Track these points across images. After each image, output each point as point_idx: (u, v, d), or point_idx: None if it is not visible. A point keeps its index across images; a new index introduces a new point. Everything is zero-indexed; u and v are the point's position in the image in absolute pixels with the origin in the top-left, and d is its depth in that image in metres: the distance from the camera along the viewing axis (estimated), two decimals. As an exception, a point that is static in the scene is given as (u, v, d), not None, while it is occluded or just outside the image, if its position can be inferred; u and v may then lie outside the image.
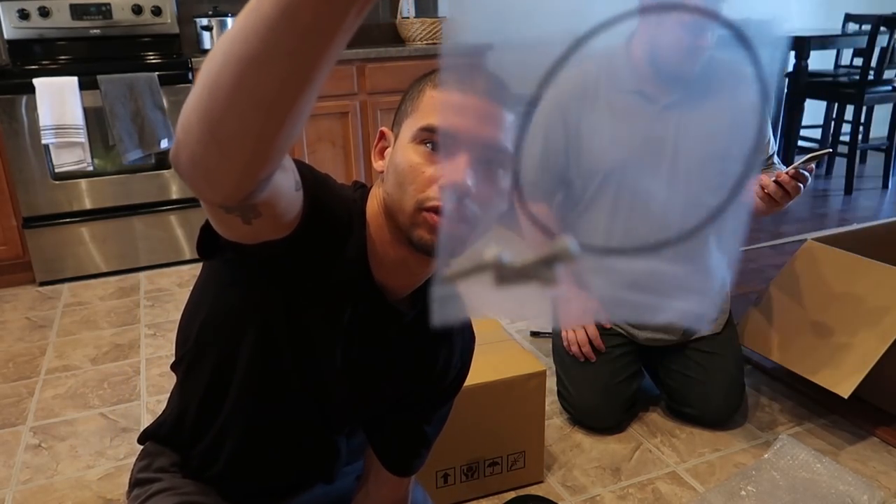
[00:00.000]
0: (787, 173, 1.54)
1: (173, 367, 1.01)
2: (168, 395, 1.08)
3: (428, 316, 0.86)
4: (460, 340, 1.07)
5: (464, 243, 0.79)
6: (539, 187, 1.85)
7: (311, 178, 0.76)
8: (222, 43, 0.47)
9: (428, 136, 0.78)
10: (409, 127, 0.80)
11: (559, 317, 1.84)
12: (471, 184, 0.74)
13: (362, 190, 0.90)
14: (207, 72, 0.48)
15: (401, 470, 1.13)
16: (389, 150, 0.85)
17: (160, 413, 1.07)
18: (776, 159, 1.82)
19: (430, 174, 0.76)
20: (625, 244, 1.76)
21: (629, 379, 1.83)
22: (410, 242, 0.79)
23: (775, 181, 1.55)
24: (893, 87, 3.85)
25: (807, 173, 1.54)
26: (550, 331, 2.38)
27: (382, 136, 0.87)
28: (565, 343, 1.86)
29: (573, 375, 1.84)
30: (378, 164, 0.86)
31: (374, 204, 0.86)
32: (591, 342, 1.83)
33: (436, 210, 0.76)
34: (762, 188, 1.57)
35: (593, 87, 1.75)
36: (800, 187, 1.55)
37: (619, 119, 1.73)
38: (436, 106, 0.78)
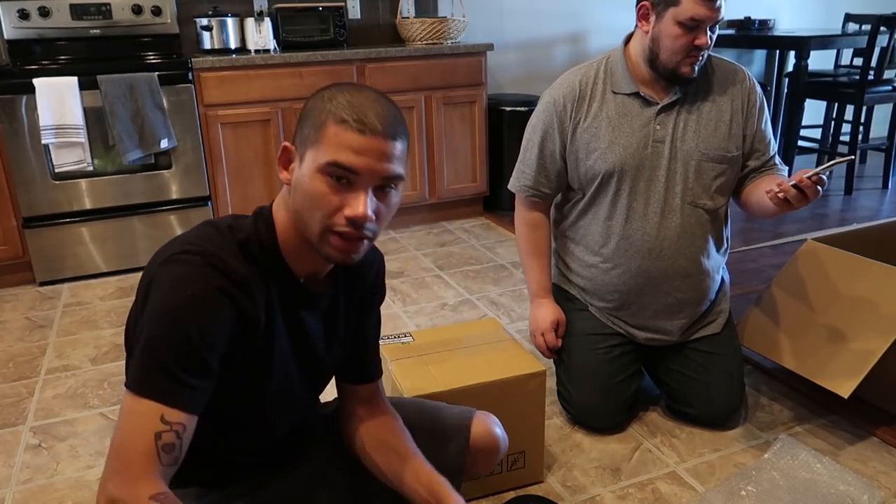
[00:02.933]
0: (809, 178, 1.48)
1: None
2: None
3: (347, 284, 1.11)
4: (373, 268, 1.17)
5: (366, 251, 0.98)
6: (537, 191, 1.86)
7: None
8: None
9: (333, 171, 0.90)
10: (315, 157, 0.92)
11: (530, 322, 1.93)
12: (370, 213, 0.92)
13: (263, 212, 1.02)
14: None
15: (372, 376, 1.22)
16: (294, 165, 0.96)
17: None
18: (777, 160, 1.82)
19: (335, 203, 0.92)
20: (622, 247, 1.77)
21: (628, 379, 1.82)
22: (318, 253, 0.96)
23: (795, 185, 1.49)
24: (893, 87, 3.85)
25: (825, 177, 1.49)
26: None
27: (286, 150, 0.98)
28: (536, 345, 1.91)
29: (573, 376, 1.83)
30: (283, 176, 0.98)
31: (281, 211, 1.00)
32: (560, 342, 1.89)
33: (340, 234, 0.92)
34: (778, 192, 1.52)
35: (590, 90, 1.76)
36: (818, 191, 1.51)
37: (617, 122, 1.73)
38: (339, 144, 0.90)
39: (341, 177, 0.90)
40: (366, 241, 0.95)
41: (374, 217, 0.92)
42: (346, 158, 0.90)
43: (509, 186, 1.93)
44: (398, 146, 0.93)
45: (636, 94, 1.73)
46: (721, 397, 1.79)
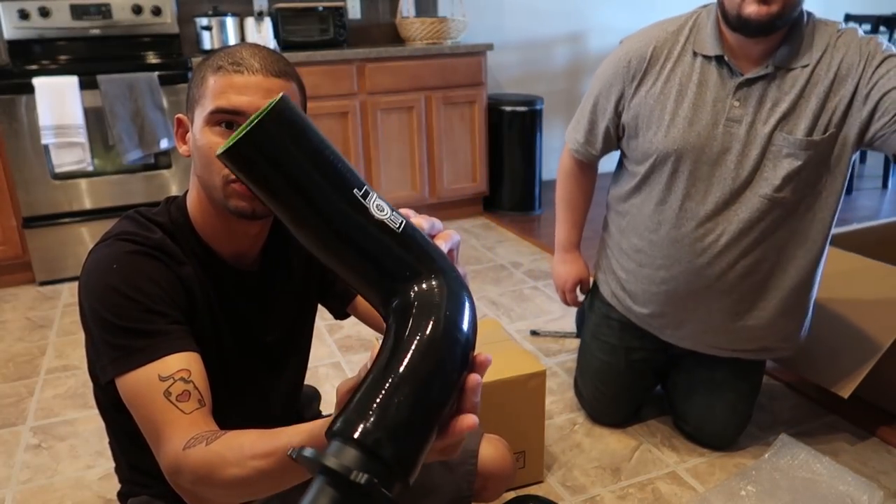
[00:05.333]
0: None
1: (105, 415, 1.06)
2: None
3: (283, 262, 1.07)
4: None
5: None
6: (582, 148, 1.72)
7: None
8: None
9: (220, 118, 0.88)
10: (201, 112, 0.89)
11: (553, 274, 1.90)
12: None
13: (176, 197, 1.01)
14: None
15: None
16: (190, 134, 0.94)
17: (118, 460, 1.10)
18: None
19: None
20: (672, 237, 1.55)
21: (643, 387, 1.84)
22: (229, 211, 0.91)
23: None
24: (893, 87, 3.85)
25: None
26: (551, 331, 2.38)
27: (180, 122, 0.97)
28: (559, 293, 1.89)
29: (587, 378, 1.85)
30: (183, 150, 0.96)
31: (192, 192, 0.97)
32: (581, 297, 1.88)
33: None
34: None
35: (666, 51, 1.53)
36: None
37: (688, 90, 1.50)
38: (220, 89, 0.87)
39: (229, 122, 0.87)
40: None
41: None
42: (228, 101, 0.86)
43: (565, 135, 1.79)
44: (282, 84, 0.89)
45: (720, 59, 1.47)
46: (719, 426, 1.73)
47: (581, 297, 1.90)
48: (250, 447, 0.73)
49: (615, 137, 1.66)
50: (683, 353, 1.74)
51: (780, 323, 1.60)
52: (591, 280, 1.88)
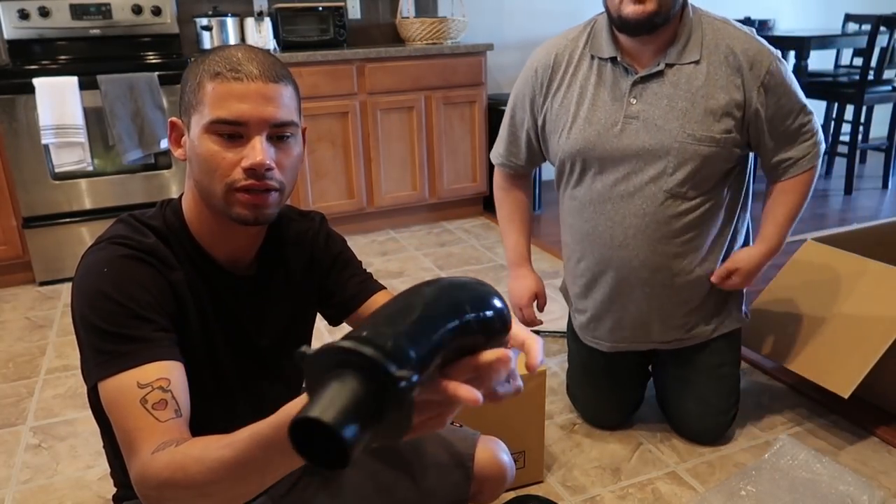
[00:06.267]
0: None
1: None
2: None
3: (280, 265, 1.06)
4: (307, 241, 1.11)
5: (278, 205, 0.93)
6: (508, 162, 1.75)
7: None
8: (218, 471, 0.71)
9: (220, 128, 0.87)
10: (199, 120, 0.88)
11: (509, 293, 1.81)
12: (269, 160, 0.87)
13: (171, 200, 1.00)
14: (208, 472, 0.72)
15: (372, 289, 1.15)
16: (185, 138, 0.93)
17: (112, 463, 1.09)
18: (800, 154, 1.59)
19: (231, 159, 0.87)
20: (586, 231, 1.63)
21: (633, 386, 1.83)
22: (230, 218, 0.91)
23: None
24: (893, 87, 3.85)
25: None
26: (551, 330, 2.38)
27: (174, 126, 0.95)
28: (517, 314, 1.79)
29: (577, 380, 1.86)
30: (178, 153, 0.95)
31: (188, 195, 0.96)
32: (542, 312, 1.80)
33: (245, 189, 0.88)
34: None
35: (567, 57, 1.59)
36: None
37: (588, 92, 1.55)
38: (219, 98, 0.86)
39: (231, 133, 0.87)
40: (273, 193, 0.90)
41: (273, 165, 0.88)
42: (229, 111, 0.86)
43: (490, 155, 1.82)
44: (282, 90, 0.89)
45: (615, 61, 1.52)
46: (695, 421, 1.74)
47: (538, 314, 1.80)
48: (216, 441, 0.72)
49: (537, 146, 1.70)
50: (658, 351, 1.76)
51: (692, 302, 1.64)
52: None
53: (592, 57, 1.56)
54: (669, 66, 1.50)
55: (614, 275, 1.62)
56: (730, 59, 1.48)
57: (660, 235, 1.56)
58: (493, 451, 1.20)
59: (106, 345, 0.84)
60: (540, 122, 1.65)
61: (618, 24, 1.47)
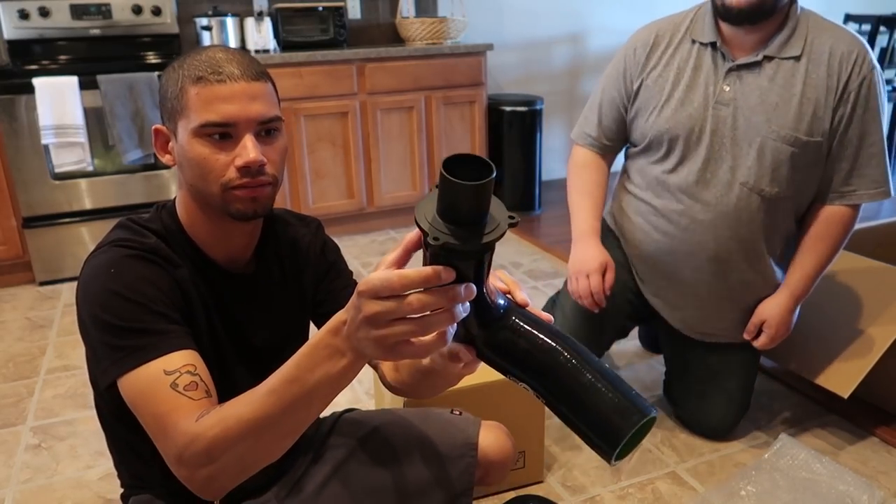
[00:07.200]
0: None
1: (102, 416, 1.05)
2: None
3: (278, 265, 1.08)
4: (304, 243, 1.12)
5: (272, 196, 0.95)
6: (597, 141, 1.75)
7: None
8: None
9: (209, 132, 0.89)
10: (187, 125, 0.90)
11: (571, 261, 1.72)
12: (261, 157, 0.89)
13: (166, 203, 1.02)
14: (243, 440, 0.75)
15: None
16: (172, 144, 0.95)
17: (118, 468, 1.09)
18: (866, 188, 1.59)
19: (223, 160, 0.90)
20: (667, 203, 1.64)
21: (620, 325, 1.82)
22: (230, 215, 0.93)
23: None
24: (894, 87, 3.85)
25: None
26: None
27: (159, 133, 0.97)
28: (572, 290, 1.70)
29: (565, 299, 1.82)
30: (167, 159, 0.97)
31: (182, 198, 0.98)
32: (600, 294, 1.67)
33: (241, 186, 0.90)
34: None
35: (668, 37, 1.61)
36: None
37: (684, 74, 1.57)
38: (204, 102, 0.88)
39: (220, 134, 0.89)
40: (269, 187, 0.93)
41: (265, 161, 0.90)
42: (217, 113, 0.87)
43: (571, 135, 1.81)
44: (264, 86, 0.91)
45: (713, 46, 1.54)
46: (715, 416, 1.75)
47: (606, 290, 1.66)
48: (259, 387, 0.75)
49: (625, 124, 1.70)
50: (671, 330, 1.77)
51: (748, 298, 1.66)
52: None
53: (693, 41, 1.58)
54: (768, 58, 1.50)
55: (679, 258, 1.63)
56: (831, 61, 1.47)
57: (728, 225, 1.57)
58: (497, 436, 1.22)
59: (123, 341, 0.85)
60: (632, 98, 1.66)
61: (721, 12, 1.49)
